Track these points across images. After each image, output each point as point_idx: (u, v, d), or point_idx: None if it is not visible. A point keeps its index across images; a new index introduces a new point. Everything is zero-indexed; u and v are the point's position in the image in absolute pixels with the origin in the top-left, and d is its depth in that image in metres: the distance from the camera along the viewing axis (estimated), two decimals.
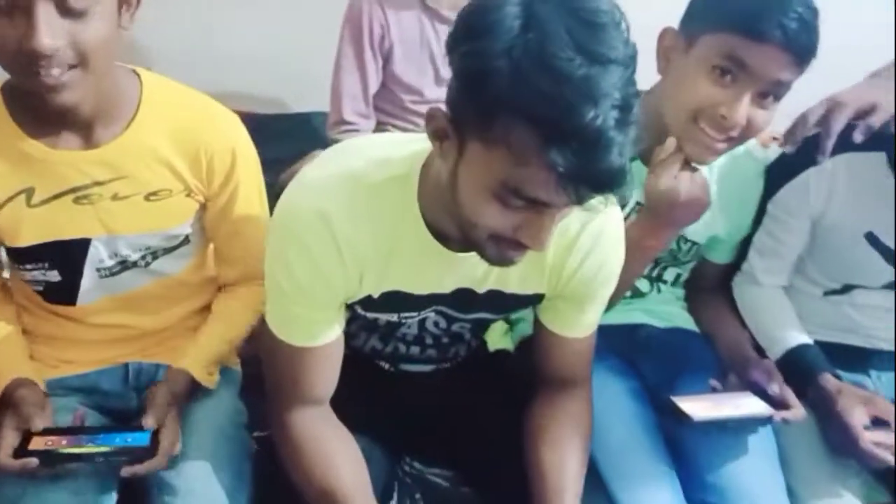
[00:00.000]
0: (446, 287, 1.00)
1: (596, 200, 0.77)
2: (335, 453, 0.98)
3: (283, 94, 2.46)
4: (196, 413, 1.11)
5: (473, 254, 0.92)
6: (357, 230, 0.91)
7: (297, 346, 0.97)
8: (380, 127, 1.86)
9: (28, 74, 0.87)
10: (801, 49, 1.02)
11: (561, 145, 0.70)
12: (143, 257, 1.10)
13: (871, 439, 1.17)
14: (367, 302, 0.99)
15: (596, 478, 1.12)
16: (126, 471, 0.97)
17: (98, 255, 1.06)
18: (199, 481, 1.01)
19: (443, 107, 0.81)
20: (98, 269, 1.08)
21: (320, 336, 0.97)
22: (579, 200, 0.76)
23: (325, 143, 2.11)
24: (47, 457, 0.95)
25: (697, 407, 1.14)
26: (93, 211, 1.03)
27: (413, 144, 0.94)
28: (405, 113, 1.87)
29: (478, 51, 0.73)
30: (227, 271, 1.20)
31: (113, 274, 1.09)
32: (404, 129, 1.86)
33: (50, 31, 0.84)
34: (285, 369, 0.99)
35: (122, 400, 1.14)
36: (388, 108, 1.87)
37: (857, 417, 1.19)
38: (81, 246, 1.05)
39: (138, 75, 1.03)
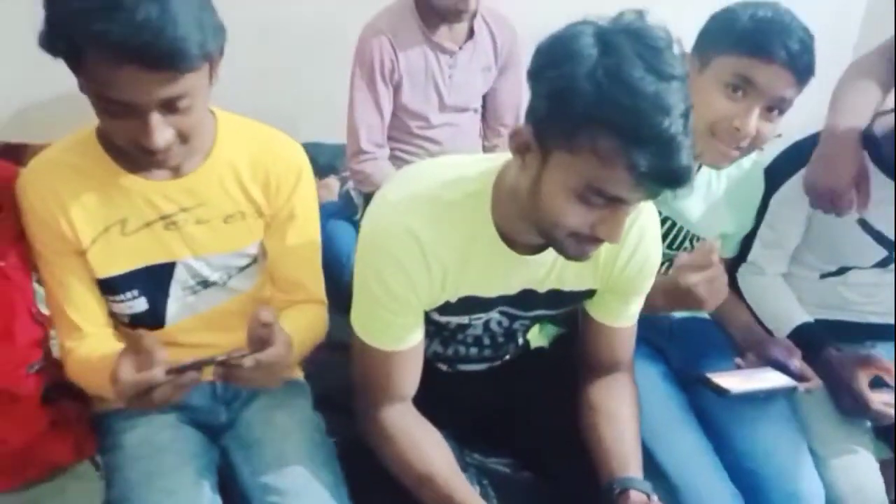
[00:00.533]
0: (513, 288, 1.11)
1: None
2: (427, 441, 1.08)
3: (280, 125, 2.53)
4: (284, 423, 1.19)
5: (538, 256, 1.05)
6: (441, 243, 1.02)
7: (387, 350, 1.08)
8: (391, 153, 1.98)
9: (141, 154, 1.01)
10: (803, 68, 1.19)
11: (642, 149, 0.84)
12: (221, 276, 1.19)
13: (877, 400, 1.32)
14: (446, 306, 1.10)
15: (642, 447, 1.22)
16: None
17: (183, 276, 1.16)
18: (303, 481, 1.10)
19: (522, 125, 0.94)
20: (183, 289, 1.17)
21: (407, 340, 1.08)
22: (652, 196, 0.90)
23: (324, 172, 2.21)
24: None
25: (732, 381, 1.28)
26: (179, 235, 1.12)
27: (481, 164, 1.06)
28: (413, 138, 1.99)
29: (564, 74, 0.87)
30: (281, 291, 1.26)
31: (195, 293, 1.18)
32: (413, 153, 1.98)
33: (162, 133, 0.97)
34: (375, 371, 1.09)
35: (212, 415, 1.22)
36: (397, 134, 1.99)
37: (863, 383, 1.35)
38: (168, 269, 1.14)
39: (213, 113, 1.15)
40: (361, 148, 1.91)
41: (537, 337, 1.45)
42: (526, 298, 1.13)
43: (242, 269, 1.21)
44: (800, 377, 1.32)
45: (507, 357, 1.33)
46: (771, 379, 1.31)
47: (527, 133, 0.93)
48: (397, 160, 1.97)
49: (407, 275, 1.03)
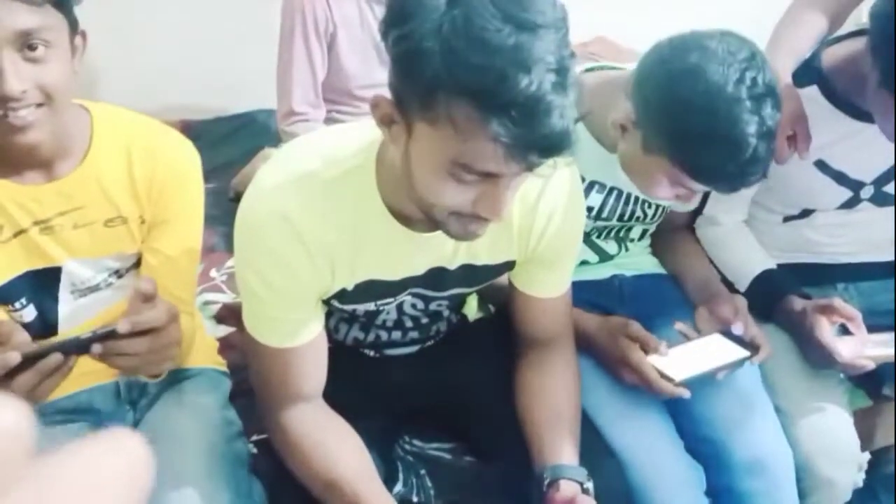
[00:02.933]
0: (419, 268, 1.01)
1: (547, 165, 0.78)
2: (334, 444, 0.99)
3: (221, 98, 2.42)
4: (185, 430, 1.10)
5: (439, 232, 0.94)
6: (320, 226, 0.92)
7: (280, 348, 0.98)
8: (328, 114, 1.85)
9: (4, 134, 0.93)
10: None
11: (501, 116, 0.72)
12: (109, 277, 1.11)
13: (846, 354, 1.21)
14: (343, 295, 1.00)
15: (589, 424, 1.15)
16: (123, 322, 0.83)
17: (70, 280, 1.08)
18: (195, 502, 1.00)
19: (386, 93, 0.82)
20: (72, 293, 1.09)
21: (301, 335, 0.98)
22: (530, 167, 0.78)
23: (273, 140, 2.10)
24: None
25: (676, 366, 1.16)
26: (56, 240, 1.05)
27: (364, 134, 0.94)
28: (352, 99, 1.87)
29: (408, 33, 0.74)
30: None
31: (85, 295, 1.10)
32: (353, 115, 1.86)
33: (17, 76, 0.91)
34: (271, 372, 1.00)
35: (117, 417, 1.14)
36: (334, 96, 1.86)
37: (827, 332, 1.23)
38: (53, 274, 1.07)
39: (87, 109, 1.07)
40: (293, 109, 1.79)
41: (476, 309, 1.34)
42: (436, 278, 1.03)
43: (130, 268, 1.12)
44: (749, 343, 1.21)
45: (440, 335, 1.23)
46: (719, 354, 1.20)
47: (387, 103, 0.81)
48: (336, 123, 1.84)
49: (287, 266, 0.92)
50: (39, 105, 0.94)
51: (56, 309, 1.09)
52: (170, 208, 1.10)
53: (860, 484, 1.27)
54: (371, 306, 1.05)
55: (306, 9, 1.73)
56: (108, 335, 0.83)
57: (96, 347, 0.84)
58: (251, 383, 1.05)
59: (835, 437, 1.23)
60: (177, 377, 1.18)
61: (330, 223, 0.92)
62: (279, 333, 0.98)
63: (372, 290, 1.00)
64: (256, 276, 0.94)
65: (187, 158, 1.11)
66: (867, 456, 1.34)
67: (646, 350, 1.17)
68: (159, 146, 1.09)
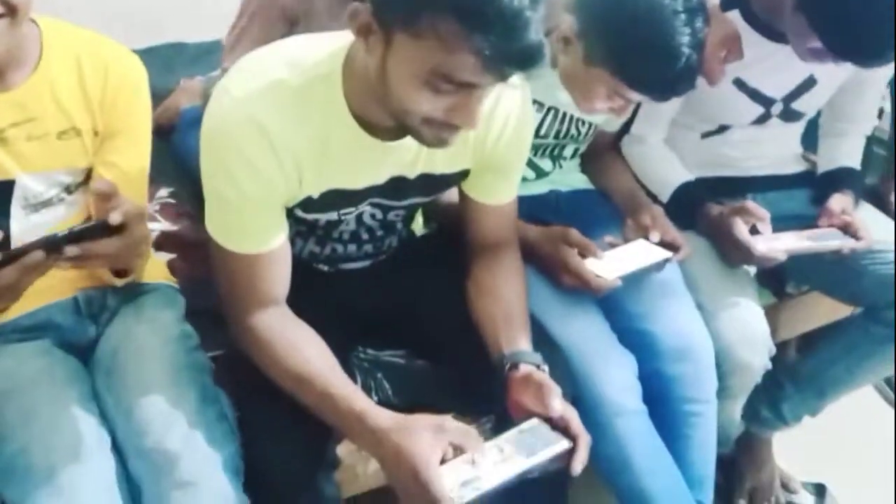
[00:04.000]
0: (381, 177, 1.06)
1: (516, 77, 0.85)
2: (303, 342, 1.02)
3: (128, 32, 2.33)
4: (146, 343, 1.11)
5: (403, 141, 0.99)
6: (291, 133, 0.95)
7: (250, 254, 1.01)
8: None
9: None
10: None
11: (485, 30, 0.78)
12: (60, 192, 1.10)
13: (761, 248, 1.35)
14: (308, 203, 1.04)
15: (535, 323, 1.21)
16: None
17: (23, 194, 1.07)
18: (166, 408, 1.02)
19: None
20: (24, 208, 1.08)
21: (270, 240, 1.01)
22: (504, 78, 0.84)
23: (185, 72, 2.03)
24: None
25: (608, 268, 1.27)
26: (9, 151, 1.03)
27: (328, 42, 0.97)
28: None
29: None
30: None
31: (37, 211, 1.09)
32: None
33: None
34: (239, 277, 1.02)
35: (79, 332, 1.15)
36: None
37: (743, 230, 1.36)
38: (6, 188, 1.05)
39: (34, 22, 1.05)
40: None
41: (422, 226, 1.41)
42: (397, 186, 1.08)
43: (81, 184, 1.12)
44: (671, 245, 1.33)
45: (391, 250, 1.28)
46: (643, 255, 1.31)
47: (366, 13, 0.85)
48: None
49: (257, 171, 0.95)
50: (2, 16, 0.92)
51: (7, 224, 1.07)
52: (122, 120, 1.10)
53: (769, 367, 1.41)
54: (333, 216, 1.09)
55: None
56: (84, 232, 0.84)
57: (71, 249, 0.85)
58: (218, 290, 1.07)
59: (749, 326, 1.37)
60: (134, 292, 1.19)
61: (300, 130, 0.95)
62: (248, 239, 1.01)
63: (336, 198, 1.05)
64: (226, 181, 0.96)
65: (136, 70, 1.11)
66: (774, 348, 1.49)
67: (583, 255, 1.27)
68: (109, 57, 1.09)
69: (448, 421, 0.92)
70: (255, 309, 1.03)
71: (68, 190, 1.11)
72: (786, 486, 1.67)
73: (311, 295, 1.16)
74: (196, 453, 1.00)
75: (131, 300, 1.18)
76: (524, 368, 1.05)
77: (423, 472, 0.87)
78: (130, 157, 1.13)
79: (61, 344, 1.12)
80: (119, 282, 1.11)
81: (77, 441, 0.99)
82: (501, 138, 1.08)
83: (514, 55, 0.81)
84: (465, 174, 1.12)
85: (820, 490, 1.68)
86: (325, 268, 1.25)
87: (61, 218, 1.11)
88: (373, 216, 1.14)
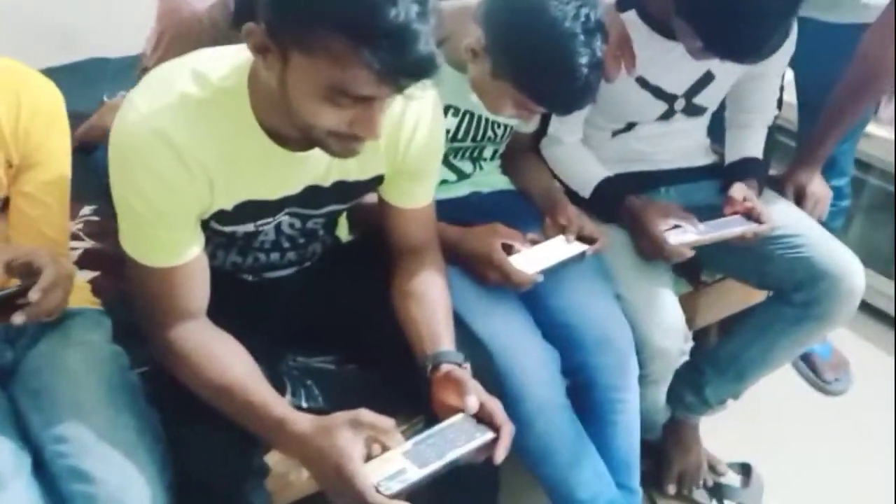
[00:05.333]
0: (295, 187, 1.07)
1: (415, 86, 0.88)
2: (222, 353, 1.03)
3: (48, 49, 2.30)
4: (77, 367, 1.10)
5: (315, 151, 1.00)
6: (197, 143, 0.96)
7: (164, 268, 1.01)
8: None
9: None
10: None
11: (373, 46, 0.81)
12: None
13: (672, 242, 1.41)
14: (222, 216, 1.04)
15: (459, 322, 1.24)
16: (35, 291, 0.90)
17: None
18: (102, 429, 1.01)
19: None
20: None
21: (184, 254, 1.02)
22: (400, 90, 0.87)
23: (109, 90, 2.01)
24: None
25: (530, 263, 1.31)
26: None
27: (234, 55, 0.99)
28: None
29: None
30: (25, 242, 1.14)
31: None
32: None
33: None
34: (156, 292, 1.03)
35: None
36: None
37: (659, 227, 1.43)
38: None
39: None
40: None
41: (347, 233, 1.42)
42: (312, 196, 1.10)
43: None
44: (587, 239, 1.38)
45: (316, 257, 1.30)
46: (562, 250, 1.36)
47: (261, 33, 0.87)
48: None
49: (166, 184, 0.96)
50: None
51: None
52: (38, 150, 1.10)
53: (687, 355, 1.47)
54: (250, 227, 1.10)
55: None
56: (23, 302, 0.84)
57: (18, 318, 0.87)
58: (135, 305, 1.07)
59: (665, 313, 1.43)
60: (58, 318, 1.14)
61: (207, 143, 0.96)
62: (162, 253, 1.01)
63: (250, 210, 1.06)
64: (137, 196, 0.97)
65: (51, 99, 1.11)
66: (690, 334, 1.55)
67: (507, 250, 1.31)
68: (21, 86, 1.07)
69: (363, 414, 0.94)
70: (173, 323, 1.04)
71: None
72: (713, 469, 1.73)
73: (237, 305, 1.18)
74: (134, 480, 0.99)
75: (54, 325, 1.15)
76: (445, 367, 1.07)
77: (346, 467, 0.89)
78: (49, 187, 1.12)
79: None
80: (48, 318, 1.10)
81: None
82: (413, 143, 1.10)
83: (405, 67, 0.83)
84: (379, 180, 1.15)
85: (746, 469, 1.74)
86: (250, 277, 1.26)
87: None
88: (291, 225, 1.15)
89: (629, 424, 1.38)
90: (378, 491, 0.91)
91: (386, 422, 0.96)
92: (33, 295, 0.85)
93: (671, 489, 1.69)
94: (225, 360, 1.02)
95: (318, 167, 1.06)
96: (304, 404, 1.23)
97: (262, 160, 1.01)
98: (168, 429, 1.08)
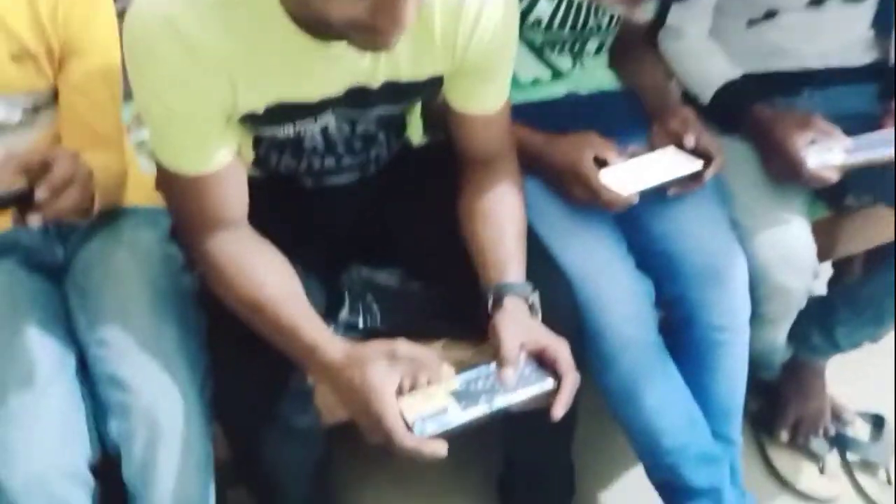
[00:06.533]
0: (336, 88, 0.94)
1: None
2: (259, 266, 0.95)
3: None
4: (124, 266, 1.07)
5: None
6: (213, 36, 0.84)
7: (195, 176, 0.93)
8: None
9: None
10: None
11: None
12: (24, 115, 1.04)
13: (812, 162, 1.17)
14: (255, 118, 0.93)
15: (538, 245, 1.11)
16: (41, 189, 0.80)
17: None
18: (141, 336, 0.99)
19: None
20: None
21: (213, 160, 0.92)
22: None
23: None
24: None
25: (627, 180, 1.12)
26: None
27: None
28: None
29: None
30: (71, 137, 1.09)
31: (2, 135, 1.04)
32: None
33: None
34: (187, 200, 0.95)
35: (47, 254, 1.11)
36: None
37: (797, 142, 1.18)
38: None
39: None
40: None
41: (422, 134, 1.27)
42: (358, 97, 0.96)
43: (48, 104, 1.06)
44: (703, 154, 1.16)
45: (381, 162, 1.17)
46: (672, 167, 1.15)
47: None
48: None
49: (183, 85, 0.85)
50: None
51: None
52: (80, 37, 1.02)
53: (815, 292, 1.25)
54: (289, 130, 0.98)
55: None
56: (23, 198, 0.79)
57: (33, 219, 0.80)
58: (171, 213, 1.01)
59: (791, 245, 1.21)
60: (111, 215, 1.13)
61: (223, 32, 0.84)
62: (190, 159, 0.92)
63: (285, 112, 0.94)
64: (155, 99, 0.87)
65: None
66: (825, 266, 1.32)
67: (600, 165, 1.13)
68: None
69: (401, 346, 0.85)
70: (209, 233, 0.96)
71: (35, 111, 1.05)
72: (837, 417, 1.51)
73: (297, 212, 1.11)
74: (169, 392, 0.96)
75: (108, 223, 1.12)
76: (509, 302, 0.94)
77: (375, 402, 0.81)
78: (95, 77, 1.05)
79: (27, 264, 1.08)
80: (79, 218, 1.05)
81: (33, 367, 0.96)
82: (475, 35, 0.93)
83: None
84: (438, 81, 0.99)
85: (878, 422, 1.51)
86: (310, 182, 1.15)
87: (15, 147, 1.04)
88: (339, 129, 1.03)
89: (733, 370, 1.21)
90: (411, 430, 0.81)
91: (427, 355, 0.86)
92: (39, 194, 0.79)
93: (784, 436, 1.49)
94: (259, 274, 0.94)
95: (361, 64, 0.92)
96: (361, 323, 1.14)
97: (290, 54, 0.88)
98: (212, 341, 1.02)
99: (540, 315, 0.97)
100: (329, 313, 1.09)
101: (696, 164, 1.16)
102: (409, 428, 0.82)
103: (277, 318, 0.90)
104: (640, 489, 1.25)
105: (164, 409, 0.96)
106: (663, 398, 1.13)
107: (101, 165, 1.08)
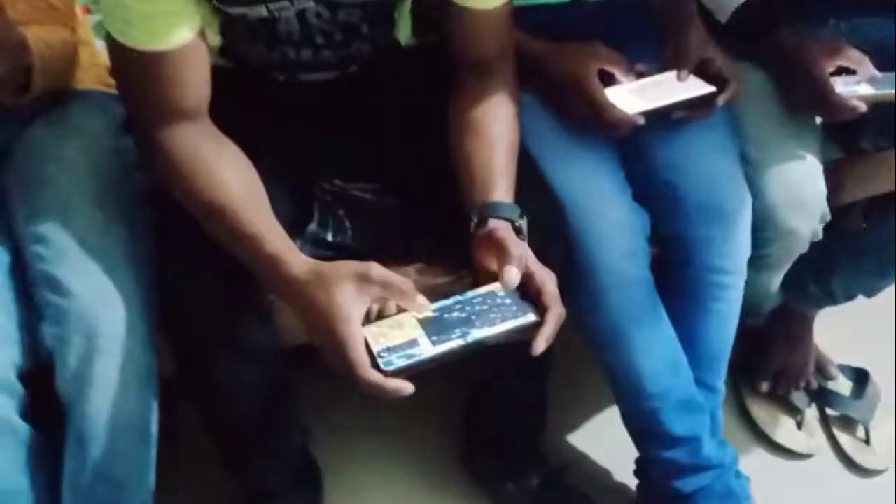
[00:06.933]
0: None
1: None
2: (220, 166, 0.84)
3: None
4: (72, 158, 0.97)
5: None
6: None
7: (151, 52, 0.81)
8: None
9: None
10: None
11: None
12: None
13: (841, 89, 1.07)
14: None
15: (530, 166, 1.01)
16: None
17: None
18: (83, 237, 0.89)
19: None
20: None
21: (172, 35, 0.80)
22: None
23: None
24: None
25: (632, 100, 1.02)
26: None
27: None
28: None
29: None
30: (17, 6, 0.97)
31: None
32: None
33: None
34: (141, 84, 0.83)
35: None
36: None
37: (826, 69, 1.09)
38: None
39: None
40: None
41: (411, 34, 1.15)
42: None
43: None
44: (717, 79, 1.06)
45: (363, 60, 1.05)
46: (682, 88, 1.05)
47: None
48: None
49: None
50: None
51: None
52: None
53: (820, 235, 1.17)
54: (263, 11, 0.87)
55: None
56: None
57: None
58: (122, 98, 0.89)
59: (802, 187, 1.12)
60: (59, 98, 1.03)
61: None
62: (141, 30, 0.80)
63: None
64: None
65: None
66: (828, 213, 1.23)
67: (606, 81, 1.03)
68: None
69: (374, 268, 0.75)
70: (163, 123, 0.84)
71: None
72: (821, 370, 1.46)
73: (264, 110, 1.00)
74: (110, 298, 0.88)
75: (54, 106, 1.02)
76: (492, 224, 0.84)
77: (339, 328, 0.73)
78: None
79: None
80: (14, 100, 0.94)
81: None
82: None
83: None
84: None
85: (861, 377, 1.46)
86: (281, 78, 1.04)
87: None
88: (318, 15, 0.91)
89: (727, 314, 1.14)
90: (375, 365, 0.72)
91: (401, 282, 0.76)
92: None
93: (764, 386, 1.44)
94: (220, 175, 0.84)
95: None
96: (330, 237, 1.04)
97: None
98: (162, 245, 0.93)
99: (526, 241, 0.88)
100: (295, 227, 0.98)
101: (707, 88, 1.06)
102: (373, 359, 0.73)
103: (238, 225, 0.80)
104: (611, 433, 1.21)
105: (103, 316, 0.87)
106: (650, 340, 1.06)
107: (45, 39, 0.97)
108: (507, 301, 0.80)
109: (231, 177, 0.84)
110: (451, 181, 0.93)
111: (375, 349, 0.74)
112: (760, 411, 1.44)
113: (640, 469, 1.17)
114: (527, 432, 1.22)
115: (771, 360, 1.44)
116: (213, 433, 1.05)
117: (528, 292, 0.80)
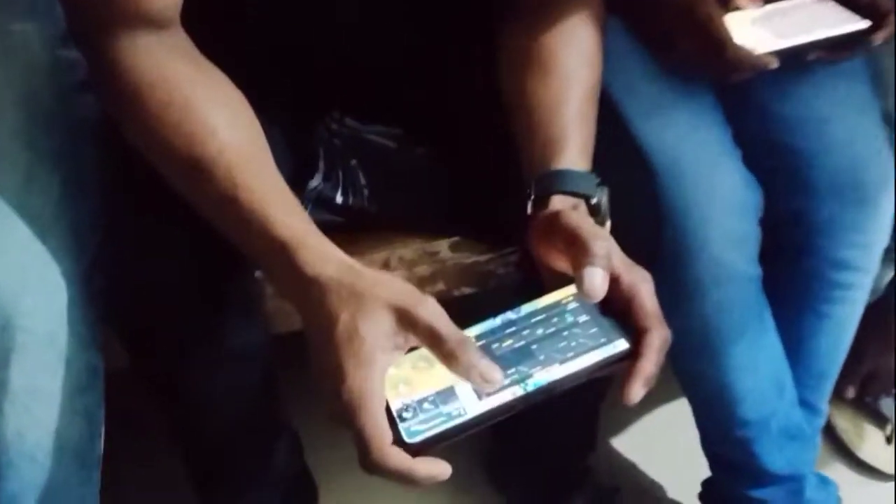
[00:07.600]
0: None
1: None
2: (201, 100, 0.60)
3: None
4: None
5: None
6: None
7: None
8: None
9: None
10: None
11: None
12: None
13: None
14: None
15: (613, 117, 0.78)
16: None
17: None
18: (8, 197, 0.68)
19: None
20: None
21: None
22: None
23: None
24: None
25: (758, 34, 0.78)
26: None
27: None
28: None
29: None
30: None
31: None
32: None
33: None
34: None
35: None
36: None
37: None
38: None
39: None
40: None
41: None
42: None
43: None
44: (868, 9, 0.80)
45: None
46: (822, 22, 0.80)
47: None
48: None
49: None
50: None
51: None
52: None
53: None
54: None
55: None
56: None
57: None
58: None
59: None
60: None
61: None
62: None
63: None
64: None
65: None
66: None
67: (722, 4, 0.79)
68: None
69: (426, 308, 0.50)
70: (119, 30, 0.60)
71: None
72: None
73: (256, 28, 0.75)
74: (35, 276, 0.67)
75: None
76: (558, 203, 0.61)
77: (357, 374, 0.49)
78: None
79: None
80: None
81: None
82: None
83: None
84: None
85: None
86: None
87: None
88: None
89: (845, 323, 0.94)
90: (400, 440, 0.48)
91: (456, 339, 0.50)
92: None
93: (851, 391, 1.24)
94: (202, 114, 0.60)
95: None
96: (340, 198, 0.80)
97: None
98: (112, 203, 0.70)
99: (609, 225, 0.63)
100: (294, 182, 0.74)
101: (856, 23, 0.80)
102: (393, 423, 0.49)
103: (231, 185, 0.58)
104: (675, 450, 1.06)
105: (23, 304, 0.65)
106: (753, 354, 0.86)
107: None
108: (583, 319, 0.54)
109: (218, 116, 0.60)
110: (502, 131, 0.70)
111: (395, 407, 0.49)
112: (843, 421, 1.25)
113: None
114: (572, 450, 1.00)
115: (861, 361, 1.22)
116: (182, 452, 0.83)
117: (611, 305, 0.55)
